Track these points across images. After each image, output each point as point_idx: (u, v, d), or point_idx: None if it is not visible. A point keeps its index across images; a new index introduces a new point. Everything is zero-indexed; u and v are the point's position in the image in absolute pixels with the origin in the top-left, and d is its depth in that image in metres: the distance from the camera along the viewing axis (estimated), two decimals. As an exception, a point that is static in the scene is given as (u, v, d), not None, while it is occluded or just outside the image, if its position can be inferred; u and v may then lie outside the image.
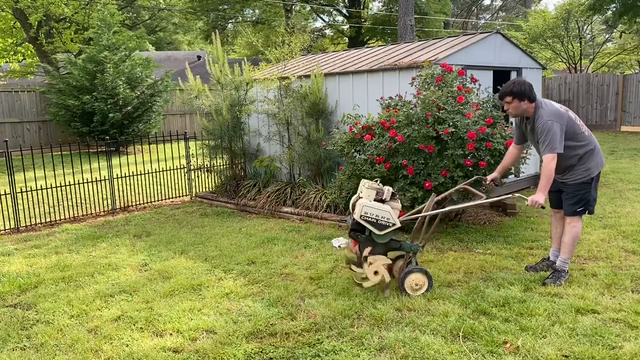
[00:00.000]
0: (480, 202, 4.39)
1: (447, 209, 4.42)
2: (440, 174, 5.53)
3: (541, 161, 4.28)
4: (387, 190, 4.18)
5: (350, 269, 4.33)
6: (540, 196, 4.12)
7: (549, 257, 4.69)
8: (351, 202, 4.33)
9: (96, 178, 7.94)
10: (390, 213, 4.05)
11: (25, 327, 3.93)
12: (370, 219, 4.04)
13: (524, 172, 6.93)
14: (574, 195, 4.35)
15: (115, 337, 3.68)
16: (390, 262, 4.19)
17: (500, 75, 7.59)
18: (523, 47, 13.68)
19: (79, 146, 8.25)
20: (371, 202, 4.08)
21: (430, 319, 3.75)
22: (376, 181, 4.31)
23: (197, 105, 8.18)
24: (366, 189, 4.17)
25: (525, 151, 5.90)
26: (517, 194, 4.31)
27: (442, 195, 4.70)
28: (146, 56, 16.41)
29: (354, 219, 4.12)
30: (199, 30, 34.02)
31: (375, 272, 4.13)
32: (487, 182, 4.76)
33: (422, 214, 4.31)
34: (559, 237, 4.60)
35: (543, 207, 4.16)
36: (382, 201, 4.15)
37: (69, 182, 7.52)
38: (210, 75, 8.10)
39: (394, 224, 4.06)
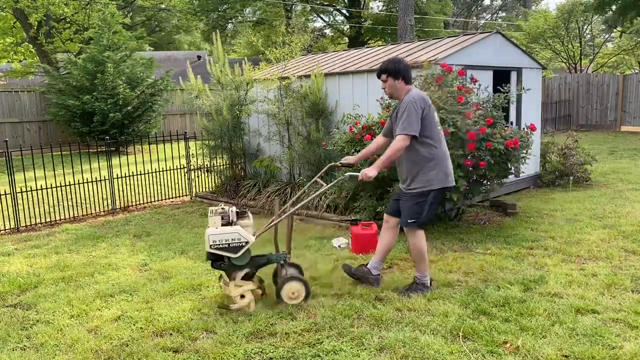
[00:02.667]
0: (323, 189, 4.29)
1: (294, 209, 4.26)
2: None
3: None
4: (232, 211, 4.06)
5: (224, 307, 4.09)
6: (372, 170, 3.96)
7: (367, 264, 4.49)
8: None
9: (96, 178, 7.94)
10: (240, 233, 3.92)
11: (25, 327, 3.92)
12: (221, 246, 3.92)
13: (524, 172, 6.93)
14: (410, 205, 4.14)
15: (115, 337, 3.68)
16: (244, 274, 4.05)
17: (501, 75, 7.59)
18: (523, 47, 13.68)
19: (79, 146, 8.25)
20: (218, 228, 3.96)
21: (430, 319, 3.75)
22: (220, 205, 4.16)
23: (198, 105, 8.18)
24: (210, 217, 4.02)
25: (525, 151, 5.90)
26: (348, 174, 4.20)
27: (294, 198, 4.61)
28: (148, 56, 16.43)
29: (207, 251, 3.98)
30: (200, 31, 34.04)
31: (242, 295, 4.00)
32: (341, 168, 4.55)
33: (272, 223, 4.22)
34: (383, 248, 4.43)
35: (393, 215, 4.09)
36: (230, 223, 4.04)
37: (69, 182, 7.52)
38: (211, 75, 8.10)
39: (247, 242, 3.94)
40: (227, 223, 4.03)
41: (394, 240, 4.50)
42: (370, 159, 4.85)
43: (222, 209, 4.10)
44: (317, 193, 4.39)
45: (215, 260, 4.04)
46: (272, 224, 4.25)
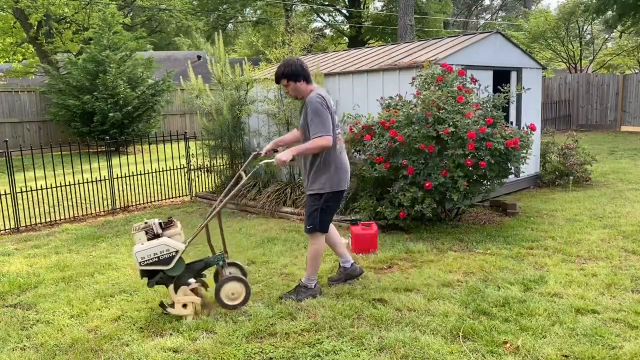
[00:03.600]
0: (243, 181, 4.22)
1: (219, 208, 4.15)
2: (441, 174, 5.53)
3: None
4: (154, 223, 3.93)
5: (164, 312, 3.97)
6: (287, 154, 3.88)
7: (339, 266, 4.52)
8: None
9: (96, 178, 7.94)
10: (167, 243, 3.80)
11: (25, 327, 3.92)
12: (151, 261, 3.78)
13: (524, 172, 6.93)
14: (308, 208, 4.12)
15: (115, 337, 3.68)
16: (188, 286, 3.95)
17: (501, 75, 7.59)
18: (523, 47, 13.68)
19: (79, 146, 8.25)
20: (144, 244, 3.80)
21: (430, 319, 3.75)
22: (143, 222, 4.02)
23: (198, 105, 8.18)
24: (135, 233, 3.88)
25: (525, 151, 5.90)
26: (263, 161, 4.09)
27: (220, 197, 4.48)
28: (148, 56, 16.43)
29: (139, 270, 3.87)
30: (200, 31, 34.01)
31: (184, 305, 3.90)
32: (262, 154, 4.41)
33: (201, 225, 4.14)
34: (334, 246, 4.42)
35: (322, 209, 4.03)
36: (157, 236, 3.88)
37: (69, 182, 7.52)
38: (211, 75, 8.09)
39: (177, 251, 3.82)
40: (153, 236, 3.88)
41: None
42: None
43: (145, 223, 3.95)
44: (237, 187, 4.23)
45: (151, 277, 3.90)
46: (200, 226, 4.16)
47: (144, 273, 3.90)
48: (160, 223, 3.99)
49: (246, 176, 4.28)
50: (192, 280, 4.02)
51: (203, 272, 4.21)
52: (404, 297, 4.14)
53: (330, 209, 4.18)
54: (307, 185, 4.19)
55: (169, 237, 3.88)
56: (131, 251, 5.74)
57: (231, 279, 4.02)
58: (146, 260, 3.79)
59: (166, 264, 3.82)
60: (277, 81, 4.12)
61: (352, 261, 4.51)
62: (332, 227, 4.40)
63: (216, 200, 8.11)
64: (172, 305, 3.90)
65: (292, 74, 4.01)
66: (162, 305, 3.97)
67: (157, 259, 3.80)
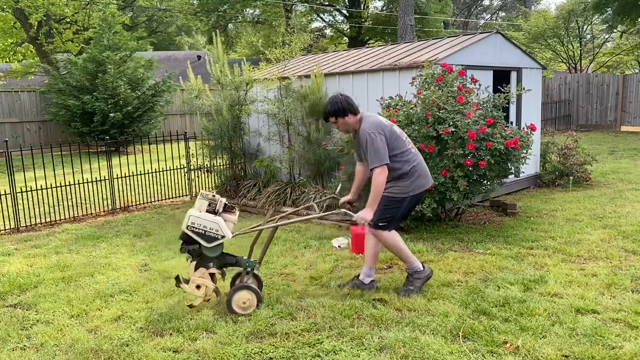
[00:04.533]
0: (316, 215, 4.29)
1: (282, 223, 4.27)
2: (441, 173, 5.53)
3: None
4: (221, 201, 3.98)
5: (176, 286, 4.05)
6: (368, 213, 4.01)
7: (358, 276, 4.46)
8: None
9: (96, 178, 7.94)
10: (220, 225, 3.84)
11: (25, 327, 3.92)
12: (197, 230, 3.84)
13: (524, 172, 6.93)
14: (382, 207, 4.13)
15: (115, 337, 3.68)
16: (209, 270, 3.98)
17: (501, 75, 7.59)
18: (523, 47, 13.68)
19: (79, 146, 8.25)
20: (201, 212, 3.87)
21: (430, 319, 3.75)
22: (212, 192, 4.10)
23: (198, 105, 8.18)
24: (199, 199, 3.93)
25: (525, 151, 5.90)
26: (342, 210, 4.15)
27: (287, 212, 4.61)
28: (148, 57, 16.44)
29: (182, 230, 3.92)
30: (200, 31, 34.01)
31: (198, 287, 3.95)
32: (340, 204, 4.55)
33: (257, 228, 4.19)
34: (372, 256, 4.40)
35: (370, 225, 4.07)
36: (215, 212, 3.94)
37: (69, 182, 7.52)
38: (211, 75, 8.10)
39: (223, 236, 3.86)
40: (213, 211, 3.95)
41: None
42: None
43: (213, 196, 4.02)
44: (308, 218, 4.35)
45: (187, 242, 3.97)
46: (256, 229, 4.20)
47: (184, 236, 3.96)
48: (225, 204, 4.05)
49: (318, 212, 4.34)
50: (214, 267, 4.05)
51: (226, 267, 4.22)
52: (404, 297, 4.14)
53: (408, 212, 4.32)
54: (385, 188, 4.17)
55: (224, 221, 3.94)
56: (131, 251, 5.76)
57: (244, 288, 4.02)
58: (194, 227, 3.86)
59: (207, 241, 3.89)
60: (326, 120, 4.30)
61: (374, 278, 4.44)
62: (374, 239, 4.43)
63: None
64: (187, 282, 3.95)
65: (339, 111, 4.17)
66: (177, 279, 4.01)
67: (203, 232, 3.86)
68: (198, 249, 3.95)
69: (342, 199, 4.54)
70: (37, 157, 10.15)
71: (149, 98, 14.95)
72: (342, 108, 4.16)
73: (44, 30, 16.28)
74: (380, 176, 4.00)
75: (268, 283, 4.61)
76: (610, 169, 9.83)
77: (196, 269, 3.96)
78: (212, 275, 4.01)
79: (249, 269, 4.15)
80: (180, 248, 4.02)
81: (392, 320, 3.76)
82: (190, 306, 4.03)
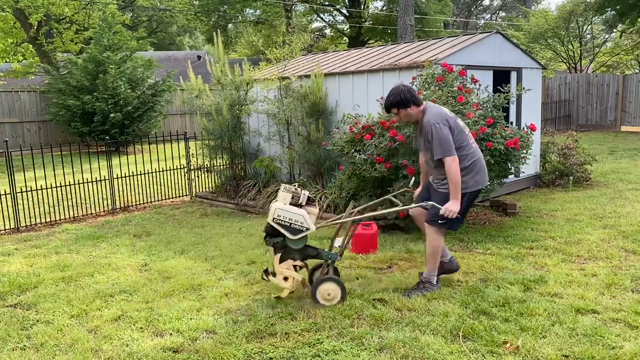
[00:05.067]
0: (398, 208, 4.30)
1: (364, 216, 4.32)
2: (440, 174, 5.52)
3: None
4: (304, 194, 4.06)
5: (263, 278, 4.18)
6: (455, 204, 3.95)
7: (422, 273, 4.45)
8: (269, 207, 4.18)
9: (96, 178, 7.94)
10: (305, 217, 3.93)
11: (25, 327, 3.92)
12: (283, 223, 3.93)
13: (524, 172, 6.93)
14: (442, 204, 4.06)
15: (115, 337, 3.68)
16: (294, 262, 4.06)
17: (501, 75, 7.59)
18: (523, 47, 13.69)
19: (79, 146, 8.25)
20: (286, 205, 3.97)
21: (430, 319, 3.75)
22: (294, 185, 4.19)
23: (198, 105, 8.18)
24: (282, 192, 4.03)
25: (525, 151, 5.90)
26: (430, 202, 4.10)
27: (363, 206, 4.61)
28: (148, 57, 16.45)
29: (267, 222, 4.01)
30: (200, 31, 34.00)
31: (285, 278, 4.02)
32: (415, 196, 4.56)
33: (340, 221, 4.23)
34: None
35: (458, 216, 4.01)
36: (299, 205, 4.03)
37: (69, 182, 7.52)
38: (211, 75, 8.10)
39: (308, 229, 3.94)
40: (296, 204, 4.03)
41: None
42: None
43: (296, 189, 4.10)
44: (390, 211, 4.40)
45: (271, 235, 4.05)
46: (338, 222, 4.26)
47: (269, 229, 4.02)
48: (308, 197, 4.11)
49: (401, 206, 4.34)
50: (298, 259, 4.11)
51: (308, 259, 4.26)
52: (404, 297, 4.14)
53: (466, 209, 4.22)
54: (443, 184, 4.15)
55: (307, 214, 3.99)
56: (131, 251, 5.76)
57: (329, 279, 4.07)
58: (280, 220, 3.93)
59: (293, 234, 3.96)
60: (388, 111, 4.22)
61: (451, 256, 4.46)
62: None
63: (216, 200, 8.12)
64: (274, 275, 4.04)
65: (401, 102, 4.09)
66: (266, 272, 4.10)
67: (288, 224, 3.94)
68: (282, 241, 4.03)
69: (417, 191, 4.55)
70: (37, 157, 10.15)
71: (149, 98, 14.95)
72: (404, 99, 4.08)
73: (44, 30, 16.29)
74: (453, 165, 3.94)
75: (268, 283, 4.61)
76: (610, 169, 9.83)
77: (281, 261, 4.04)
78: (295, 267, 4.09)
79: (329, 261, 4.19)
80: (264, 240, 4.09)
81: (392, 320, 3.76)
82: (278, 298, 4.10)
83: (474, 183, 4.13)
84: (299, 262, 4.11)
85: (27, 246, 6.14)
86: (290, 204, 4.01)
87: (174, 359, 3.38)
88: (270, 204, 4.11)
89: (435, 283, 4.26)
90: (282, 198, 4.01)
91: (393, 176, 5.83)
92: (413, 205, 4.30)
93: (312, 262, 4.39)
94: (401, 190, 4.87)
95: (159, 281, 4.76)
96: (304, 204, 4.06)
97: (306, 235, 3.99)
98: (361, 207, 4.56)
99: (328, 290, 4.03)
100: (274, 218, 3.93)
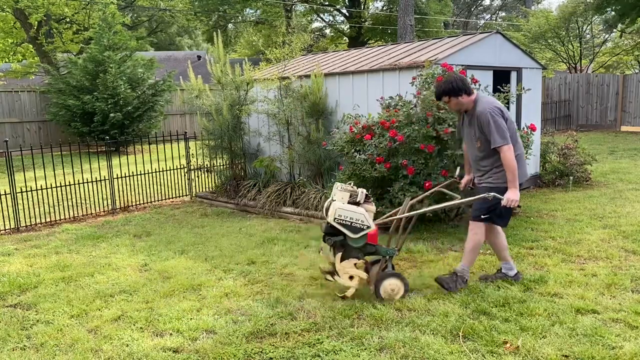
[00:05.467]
0: (456, 202, 4.33)
1: (422, 210, 4.36)
2: (441, 174, 5.53)
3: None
4: (361, 192, 4.10)
5: (326, 279, 4.24)
6: (514, 193, 3.97)
7: (500, 270, 4.48)
8: (325, 205, 4.23)
9: (96, 178, 7.94)
10: (365, 215, 3.97)
11: (25, 327, 3.93)
12: (344, 222, 3.96)
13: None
14: (485, 200, 4.07)
15: (115, 337, 3.68)
16: (357, 260, 4.10)
17: (500, 75, 7.59)
18: (523, 47, 13.68)
19: (79, 146, 8.25)
20: (345, 204, 4.00)
21: (430, 319, 3.75)
22: (350, 184, 4.23)
23: (198, 105, 8.18)
24: (339, 191, 4.07)
25: (525, 151, 5.90)
26: (492, 193, 4.08)
27: (417, 198, 4.65)
28: (149, 57, 16.45)
29: (327, 222, 4.04)
30: (200, 31, 34.00)
31: (351, 277, 4.06)
32: (462, 187, 4.61)
33: (398, 216, 4.27)
34: (502, 251, 4.40)
35: (519, 207, 4.05)
36: (357, 203, 4.06)
37: (69, 182, 7.52)
38: (211, 75, 8.10)
39: (368, 227, 3.98)
40: (354, 203, 4.06)
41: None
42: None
43: (352, 187, 4.12)
44: (450, 204, 4.40)
45: (331, 234, 4.07)
46: (396, 217, 4.28)
47: (329, 228, 4.04)
48: (366, 194, 4.13)
49: (460, 200, 4.35)
50: (359, 256, 4.13)
51: (367, 256, 4.28)
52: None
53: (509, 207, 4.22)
54: (485, 178, 4.18)
55: (366, 211, 4.01)
56: (131, 251, 5.76)
57: (392, 275, 4.10)
58: (341, 219, 3.95)
59: (353, 232, 3.98)
60: (439, 98, 4.22)
61: (517, 270, 4.46)
62: (501, 231, 4.41)
63: (216, 200, 8.11)
64: (337, 274, 4.06)
65: (453, 91, 4.11)
66: (330, 273, 4.13)
67: (349, 223, 3.96)
68: (343, 239, 4.05)
69: (464, 181, 4.56)
70: (37, 157, 10.15)
71: (149, 98, 14.95)
72: (456, 87, 4.09)
73: (44, 30, 16.29)
74: (509, 153, 3.95)
75: (268, 283, 4.62)
76: (610, 169, 9.83)
77: (342, 259, 4.05)
78: (356, 265, 4.11)
79: (387, 257, 4.20)
80: (325, 240, 4.11)
81: (392, 320, 3.76)
82: (343, 297, 4.10)
83: (521, 176, 4.13)
84: (361, 260, 4.13)
85: (27, 246, 6.14)
86: (348, 202, 4.04)
87: (174, 359, 3.38)
88: (328, 204, 4.15)
89: (467, 279, 4.27)
90: (340, 197, 4.05)
91: (393, 176, 5.83)
92: (470, 198, 4.26)
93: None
94: (448, 182, 4.81)
95: (159, 281, 4.76)
96: (362, 201, 4.09)
97: (366, 233, 4.01)
98: (414, 199, 4.55)
99: (392, 285, 4.06)
100: (335, 218, 3.96)
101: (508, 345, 3.37)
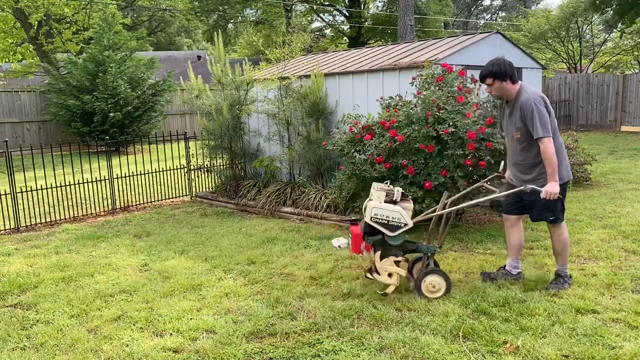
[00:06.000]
0: (493, 196, 4.31)
1: (460, 206, 4.38)
2: (441, 174, 5.53)
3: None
4: (397, 190, 4.14)
5: (366, 276, 4.31)
6: (554, 185, 3.89)
7: (504, 267, 4.50)
8: (363, 206, 4.27)
9: (96, 178, 7.94)
10: (402, 213, 4.01)
11: (25, 327, 3.93)
12: (381, 221, 4.01)
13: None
14: (545, 202, 4.01)
15: (115, 337, 3.68)
16: (399, 258, 4.14)
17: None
18: (524, 47, 13.68)
19: (79, 146, 8.25)
20: (381, 203, 4.04)
21: (430, 319, 3.75)
22: (386, 183, 4.27)
23: (198, 105, 8.18)
24: (376, 191, 4.13)
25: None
26: (529, 186, 4.04)
27: (459, 194, 4.64)
28: (150, 57, 16.46)
29: (365, 222, 4.10)
30: (200, 31, 34.00)
31: (390, 275, 4.10)
32: (501, 171, 4.61)
33: (436, 213, 4.29)
34: (515, 247, 4.41)
35: (560, 198, 3.95)
36: (393, 202, 4.10)
37: (69, 182, 7.52)
38: (211, 75, 8.10)
39: (405, 224, 4.02)
40: (391, 201, 4.08)
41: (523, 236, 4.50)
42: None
43: (389, 186, 4.15)
44: (489, 198, 4.38)
45: (370, 233, 4.10)
46: (434, 214, 4.29)
47: (367, 227, 4.08)
48: (402, 193, 4.16)
49: (497, 192, 4.35)
50: (399, 254, 4.16)
51: (408, 253, 4.31)
52: (404, 297, 4.14)
53: (564, 198, 4.19)
54: (533, 177, 4.11)
55: (403, 209, 4.03)
56: (131, 251, 5.76)
57: (433, 272, 4.12)
58: (378, 218, 4.01)
59: (391, 231, 4.03)
60: (482, 80, 4.13)
61: (520, 270, 4.46)
62: (522, 229, 4.43)
63: (216, 200, 8.11)
64: (377, 272, 4.09)
65: (499, 73, 4.02)
66: (369, 270, 4.17)
67: (386, 222, 4.01)
68: (381, 238, 4.08)
69: (507, 175, 4.52)
70: (37, 157, 10.15)
71: (149, 97, 14.95)
72: (503, 71, 4.00)
73: (44, 30, 16.29)
74: (549, 146, 3.89)
75: (268, 283, 4.62)
76: (610, 169, 9.83)
77: (382, 258, 4.08)
78: (397, 262, 4.14)
79: (429, 254, 4.22)
80: (364, 239, 4.14)
81: (392, 320, 3.76)
82: (384, 294, 4.13)
83: (566, 172, 4.10)
84: (401, 258, 4.16)
85: (27, 246, 6.14)
86: (385, 201, 4.06)
87: (174, 359, 3.38)
88: (366, 203, 4.17)
89: (569, 276, 4.27)
90: (376, 197, 4.09)
91: (393, 176, 5.83)
92: (510, 191, 4.23)
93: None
94: (492, 176, 4.78)
95: (159, 281, 4.76)
96: (398, 200, 4.11)
97: (405, 231, 4.04)
98: (455, 196, 4.56)
99: (433, 282, 4.08)
100: (371, 217, 3.99)
101: (508, 345, 3.37)
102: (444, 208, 4.34)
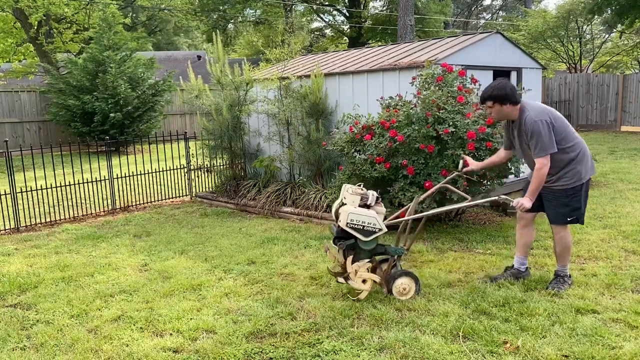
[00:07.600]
0: (467, 204, 4.33)
1: (430, 212, 4.37)
2: (440, 173, 5.53)
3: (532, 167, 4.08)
4: (372, 194, 4.10)
5: (337, 281, 4.25)
6: (527, 200, 3.99)
7: (512, 266, 4.52)
8: (334, 208, 4.22)
9: (96, 178, 7.94)
10: (377, 219, 3.98)
11: (25, 327, 3.92)
12: (356, 226, 3.97)
13: (523, 172, 6.92)
14: (565, 202, 4.09)
15: (115, 337, 3.68)
16: (370, 264, 4.12)
17: (500, 75, 7.58)
18: (523, 47, 13.69)
19: (79, 146, 8.25)
20: (356, 208, 4.00)
21: (430, 319, 3.75)
22: (359, 185, 4.23)
23: (198, 105, 8.18)
24: (350, 194, 4.06)
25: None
26: (503, 196, 4.12)
27: (424, 195, 4.65)
28: (149, 57, 16.46)
29: (339, 226, 4.04)
30: (200, 31, 34.00)
31: (364, 281, 4.08)
32: (461, 170, 4.59)
33: (405, 218, 4.28)
34: (526, 246, 4.44)
35: (528, 211, 4.04)
36: (367, 206, 4.06)
37: (69, 182, 7.52)
38: (211, 75, 8.10)
39: (380, 229, 3.99)
40: (364, 205, 4.06)
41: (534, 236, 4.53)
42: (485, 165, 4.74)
43: (362, 189, 4.11)
44: (462, 205, 4.38)
45: (342, 238, 4.08)
46: (404, 218, 4.29)
47: (341, 232, 4.05)
48: (377, 197, 4.13)
49: (469, 202, 4.36)
50: (369, 258, 4.14)
51: (376, 256, 4.30)
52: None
53: (585, 199, 4.20)
54: (555, 180, 4.12)
55: (377, 214, 4.02)
56: (131, 251, 5.76)
57: (402, 274, 4.11)
58: (353, 224, 3.96)
59: (365, 236, 4.00)
60: (482, 102, 4.17)
61: (527, 266, 4.50)
62: (534, 228, 4.46)
63: (216, 200, 8.11)
64: (347, 277, 4.07)
65: (500, 97, 4.04)
66: (346, 278, 4.11)
67: (361, 227, 3.98)
68: (355, 243, 4.06)
69: (466, 168, 4.55)
70: (37, 157, 10.15)
71: (149, 98, 14.96)
72: (503, 95, 4.02)
73: (44, 30, 16.28)
74: (544, 168, 3.93)
75: (268, 283, 4.62)
76: (610, 169, 9.83)
77: (353, 262, 4.06)
78: (373, 269, 4.13)
79: (396, 256, 4.22)
80: (336, 243, 4.13)
81: (392, 320, 3.76)
82: (357, 300, 4.10)
83: (585, 172, 4.11)
84: (373, 262, 4.14)
85: (27, 246, 6.14)
86: (359, 205, 4.03)
87: (174, 359, 3.38)
88: (336, 205, 4.14)
89: (569, 276, 4.29)
90: (350, 201, 4.05)
91: (393, 176, 5.83)
92: (486, 199, 4.29)
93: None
94: (453, 175, 4.78)
95: (159, 281, 4.76)
96: (372, 204, 4.09)
97: (378, 236, 4.02)
98: (421, 197, 4.56)
99: (403, 284, 4.08)
100: (347, 223, 3.95)
101: (508, 345, 3.37)
102: (415, 212, 4.33)
